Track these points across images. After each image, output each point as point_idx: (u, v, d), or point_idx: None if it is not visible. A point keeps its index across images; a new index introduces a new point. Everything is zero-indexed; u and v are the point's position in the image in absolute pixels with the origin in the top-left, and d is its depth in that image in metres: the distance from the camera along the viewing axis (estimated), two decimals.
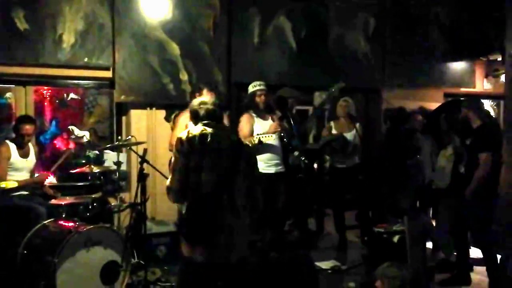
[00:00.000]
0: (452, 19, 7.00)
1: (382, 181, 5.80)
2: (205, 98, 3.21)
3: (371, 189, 5.54)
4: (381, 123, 6.48)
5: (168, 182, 2.88)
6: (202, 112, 2.91)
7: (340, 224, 5.40)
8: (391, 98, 6.53)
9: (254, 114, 4.72)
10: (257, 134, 4.50)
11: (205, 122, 2.90)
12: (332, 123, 5.49)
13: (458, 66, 7.18)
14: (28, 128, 4.48)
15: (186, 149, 2.80)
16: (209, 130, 2.84)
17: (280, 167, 4.72)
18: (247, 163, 2.86)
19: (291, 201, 5.03)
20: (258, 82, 4.79)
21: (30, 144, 4.63)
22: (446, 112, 5.51)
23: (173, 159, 2.88)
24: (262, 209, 3.03)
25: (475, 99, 5.30)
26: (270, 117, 4.79)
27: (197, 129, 2.86)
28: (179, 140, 2.85)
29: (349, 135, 5.33)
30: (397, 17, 6.69)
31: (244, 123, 4.68)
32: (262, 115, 4.75)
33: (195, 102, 3.00)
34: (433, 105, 6.52)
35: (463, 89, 7.27)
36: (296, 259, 4.33)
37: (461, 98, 6.89)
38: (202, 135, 2.81)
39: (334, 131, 5.38)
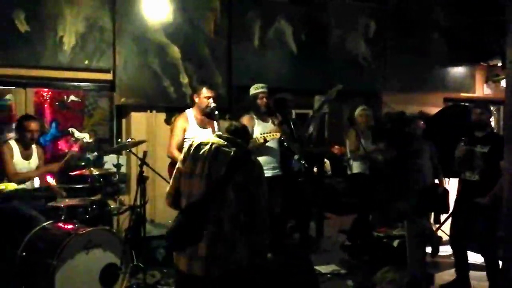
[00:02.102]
0: (452, 23, 7.00)
1: (382, 185, 5.80)
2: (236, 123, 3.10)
3: (371, 193, 5.53)
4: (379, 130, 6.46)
5: (168, 187, 2.89)
6: (230, 129, 2.90)
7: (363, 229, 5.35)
8: (391, 102, 6.53)
9: (254, 116, 4.72)
10: (262, 133, 4.49)
11: (219, 134, 2.89)
12: (353, 132, 5.43)
13: (458, 71, 7.19)
14: (33, 125, 4.45)
15: (184, 156, 2.81)
16: (213, 140, 2.80)
17: (277, 171, 4.72)
18: (247, 176, 2.72)
19: (291, 205, 5.02)
20: (260, 85, 4.79)
21: (33, 146, 4.61)
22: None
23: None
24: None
25: (485, 103, 5.27)
26: (270, 120, 4.79)
27: (201, 138, 2.86)
28: (186, 148, 2.87)
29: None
30: (398, 21, 6.70)
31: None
32: (263, 117, 4.75)
33: (226, 124, 3.00)
34: (433, 110, 6.52)
35: (463, 94, 7.27)
36: (295, 263, 4.32)
37: (462, 103, 6.93)
38: (200, 144, 2.79)
39: (362, 142, 5.33)
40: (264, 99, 4.73)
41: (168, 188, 2.88)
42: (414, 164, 5.19)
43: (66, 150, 5.20)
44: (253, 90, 4.79)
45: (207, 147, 2.76)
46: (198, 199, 2.65)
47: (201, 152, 2.75)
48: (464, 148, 4.42)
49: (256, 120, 4.70)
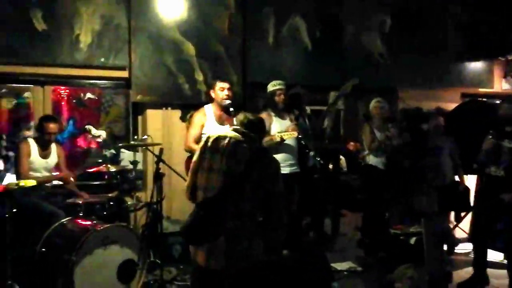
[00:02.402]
0: (469, 18, 6.91)
1: (398, 182, 5.75)
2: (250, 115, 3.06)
3: (386, 188, 5.48)
4: (397, 123, 6.41)
5: (187, 180, 2.91)
6: (244, 121, 2.89)
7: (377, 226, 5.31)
8: (408, 98, 6.46)
9: (272, 113, 4.72)
10: (278, 132, 4.49)
11: (236, 127, 2.88)
12: (368, 127, 5.39)
13: (476, 66, 7.09)
14: (52, 126, 4.51)
15: (201, 149, 2.82)
16: (231, 134, 2.82)
17: (294, 168, 4.71)
18: (264, 173, 2.72)
19: (306, 202, 5.01)
20: (278, 81, 4.78)
21: (53, 145, 4.66)
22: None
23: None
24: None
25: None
26: (288, 117, 4.78)
27: (218, 132, 2.88)
28: (197, 142, 2.88)
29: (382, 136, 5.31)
30: (414, 16, 6.62)
31: None
32: (280, 114, 4.75)
33: (240, 115, 2.97)
34: (450, 106, 6.45)
35: (481, 89, 7.17)
36: (311, 260, 4.31)
37: (480, 99, 6.84)
38: (218, 138, 2.80)
39: (377, 134, 5.29)
40: (282, 96, 4.73)
41: (187, 182, 2.91)
42: (432, 161, 5.14)
43: (85, 147, 5.25)
44: (270, 87, 4.79)
45: (225, 141, 2.77)
46: (215, 194, 2.66)
47: (219, 147, 2.76)
48: (491, 142, 4.35)
49: (273, 117, 4.69)
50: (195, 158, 2.85)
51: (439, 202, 5.20)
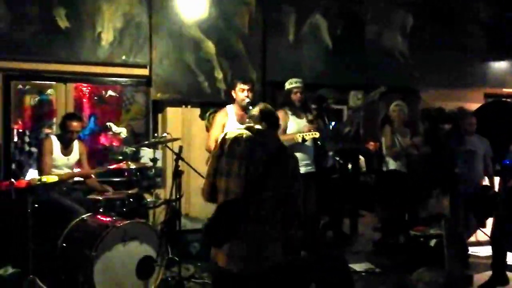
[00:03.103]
0: (493, 16, 6.77)
1: (418, 183, 5.68)
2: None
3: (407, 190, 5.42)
4: (419, 123, 6.33)
5: (203, 183, 2.90)
6: (257, 114, 2.87)
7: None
8: (429, 98, 6.37)
9: (289, 112, 4.70)
10: (300, 132, 4.46)
11: (252, 124, 2.86)
12: (388, 128, 5.35)
13: (499, 66, 6.94)
14: (75, 125, 4.56)
15: (218, 151, 2.78)
16: (247, 133, 2.79)
17: (310, 167, 4.68)
18: (283, 171, 2.73)
19: (324, 202, 4.98)
20: (295, 79, 4.76)
21: (75, 143, 4.71)
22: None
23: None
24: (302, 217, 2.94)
25: None
26: (305, 116, 4.75)
27: (233, 132, 2.81)
28: (216, 142, 2.85)
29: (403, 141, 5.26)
30: (436, 15, 6.52)
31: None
32: (297, 113, 4.72)
33: (254, 110, 2.94)
34: (473, 106, 6.33)
35: (505, 90, 7.01)
36: (329, 261, 4.28)
37: (504, 99, 6.70)
38: (235, 139, 2.75)
39: (398, 138, 5.25)
40: (299, 94, 4.69)
41: (203, 185, 2.88)
42: (463, 168, 4.99)
43: (107, 145, 5.32)
44: (288, 85, 4.76)
45: (243, 144, 2.74)
46: (236, 197, 2.67)
47: (237, 150, 2.73)
48: None
49: (290, 116, 4.67)
50: (212, 162, 2.82)
51: (467, 206, 5.04)
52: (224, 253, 2.71)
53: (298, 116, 4.72)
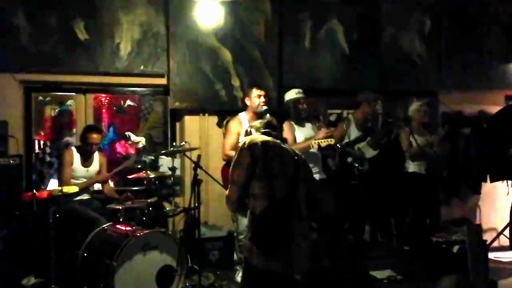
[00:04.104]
0: None
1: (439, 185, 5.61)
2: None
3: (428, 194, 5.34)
4: (438, 127, 6.25)
5: (227, 192, 2.90)
6: (261, 126, 3.02)
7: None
8: (449, 102, 6.29)
9: (293, 122, 4.72)
10: (315, 139, 4.46)
11: (264, 130, 2.97)
12: (406, 130, 5.30)
13: None
14: (95, 137, 4.63)
15: (246, 158, 2.79)
16: (269, 138, 2.90)
17: (319, 175, 4.67)
18: (306, 170, 2.92)
19: (345, 208, 4.95)
20: (297, 90, 4.86)
21: (96, 154, 4.78)
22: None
23: (231, 169, 2.88)
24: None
25: None
26: (309, 124, 4.78)
27: (257, 137, 2.89)
28: (238, 150, 2.86)
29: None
30: (454, 16, 6.43)
31: (287, 132, 4.65)
32: (300, 122, 4.75)
33: (257, 123, 3.09)
34: (493, 109, 6.23)
35: None
36: (350, 268, 4.25)
37: None
38: (264, 144, 2.84)
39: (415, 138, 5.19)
40: (305, 105, 4.79)
41: (227, 193, 2.88)
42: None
43: (123, 153, 5.37)
44: (293, 95, 4.82)
45: (271, 146, 2.84)
46: (280, 199, 2.76)
47: (269, 153, 2.81)
48: None
49: (295, 126, 4.73)
50: (237, 168, 2.82)
51: None
52: (263, 253, 2.75)
53: (302, 125, 4.80)
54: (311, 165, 4.47)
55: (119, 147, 5.38)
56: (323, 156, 4.90)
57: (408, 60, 6.25)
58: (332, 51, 5.92)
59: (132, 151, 5.33)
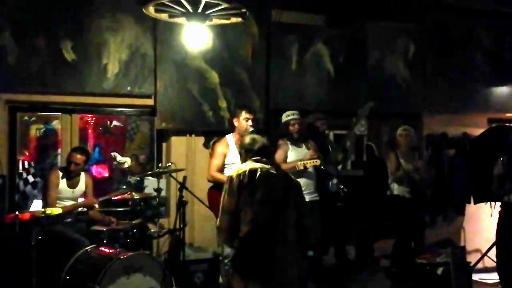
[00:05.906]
0: (495, 42, 6.82)
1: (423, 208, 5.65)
2: (256, 136, 3.26)
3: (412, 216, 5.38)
4: (423, 149, 6.32)
5: (218, 221, 2.93)
6: (255, 148, 3.03)
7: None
8: (433, 124, 6.38)
9: (288, 142, 4.76)
10: (301, 160, 4.51)
11: (255, 158, 2.99)
12: (393, 155, 5.35)
13: (503, 91, 6.95)
14: (78, 157, 4.59)
15: (235, 187, 2.86)
16: (258, 165, 2.93)
17: (314, 195, 4.72)
18: (297, 195, 2.95)
19: (329, 230, 4.96)
20: (291, 112, 4.88)
21: (82, 175, 4.75)
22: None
23: (221, 198, 2.93)
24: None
25: None
26: (304, 145, 4.81)
27: (246, 166, 2.94)
28: (228, 179, 2.93)
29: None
30: (438, 41, 6.57)
31: (279, 151, 4.72)
32: (296, 143, 4.79)
33: (247, 139, 3.11)
34: (477, 131, 6.33)
35: (508, 114, 7.01)
36: None
37: (507, 124, 6.69)
38: (251, 171, 2.88)
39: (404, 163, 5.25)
40: (296, 126, 4.80)
41: (218, 223, 2.92)
42: None
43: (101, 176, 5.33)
44: (284, 117, 4.87)
45: (259, 173, 2.87)
46: (263, 224, 2.79)
47: (256, 180, 2.85)
48: (502, 168, 4.26)
49: (290, 146, 4.77)
50: (227, 198, 2.89)
51: None
52: (243, 277, 2.78)
53: (298, 146, 4.83)
54: (306, 183, 4.54)
55: (106, 169, 5.36)
56: (321, 175, 4.88)
57: (393, 82, 6.36)
58: (318, 73, 6.00)
59: (118, 172, 5.30)
